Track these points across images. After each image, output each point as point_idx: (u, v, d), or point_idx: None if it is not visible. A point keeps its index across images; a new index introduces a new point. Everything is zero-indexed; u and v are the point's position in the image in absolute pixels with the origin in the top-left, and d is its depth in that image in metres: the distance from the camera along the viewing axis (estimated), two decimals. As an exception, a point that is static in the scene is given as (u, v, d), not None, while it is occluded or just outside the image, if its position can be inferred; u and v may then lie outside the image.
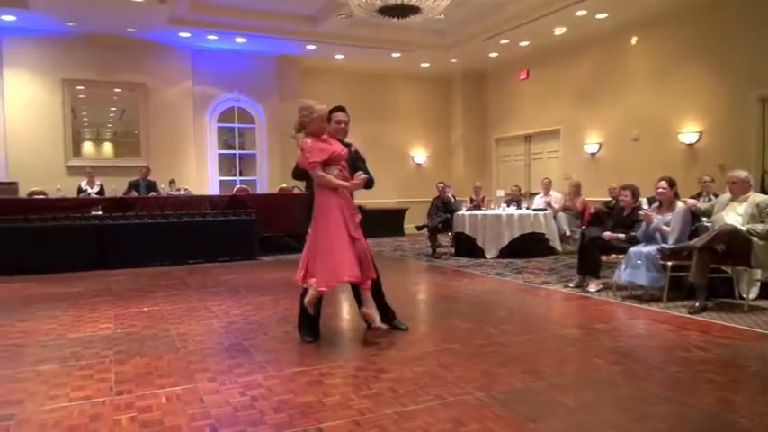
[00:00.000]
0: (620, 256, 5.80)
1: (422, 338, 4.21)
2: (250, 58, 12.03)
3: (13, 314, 5.13)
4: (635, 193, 6.11)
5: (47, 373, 3.44)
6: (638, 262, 5.33)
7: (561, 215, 9.30)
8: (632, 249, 5.48)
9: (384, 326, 4.11)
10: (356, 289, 4.05)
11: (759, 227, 4.95)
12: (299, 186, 11.34)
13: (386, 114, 13.68)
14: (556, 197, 9.89)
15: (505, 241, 8.77)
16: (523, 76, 12.87)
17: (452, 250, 9.50)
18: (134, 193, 9.74)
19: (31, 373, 3.44)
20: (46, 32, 10.32)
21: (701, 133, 9.19)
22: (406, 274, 7.75)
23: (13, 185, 9.12)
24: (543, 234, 8.93)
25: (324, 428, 2.59)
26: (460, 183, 13.35)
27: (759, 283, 5.22)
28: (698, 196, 7.39)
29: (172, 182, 10.53)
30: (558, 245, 9.04)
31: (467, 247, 9.07)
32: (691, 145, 9.32)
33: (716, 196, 6.52)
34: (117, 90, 11.35)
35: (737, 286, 5.20)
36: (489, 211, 9.27)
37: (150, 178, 10.35)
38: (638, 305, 5.23)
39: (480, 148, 14.27)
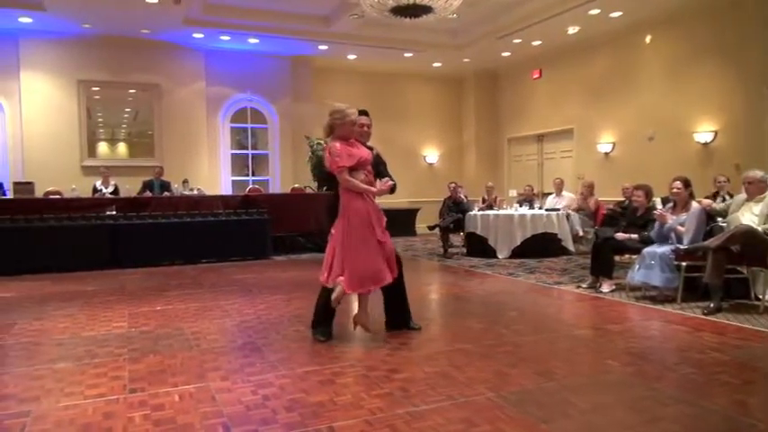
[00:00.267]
0: (634, 256, 5.76)
1: (433, 338, 4.21)
2: (263, 58, 12.08)
3: (29, 313, 5.20)
4: (648, 194, 6.07)
5: (62, 371, 3.48)
6: (652, 262, 5.28)
7: (574, 215, 9.25)
8: (646, 250, 5.43)
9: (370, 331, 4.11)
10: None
11: (775, 227, 4.89)
12: (310, 186, 11.41)
13: (398, 114, 13.67)
14: (568, 197, 9.83)
15: (518, 241, 8.73)
16: (536, 76, 12.80)
17: (464, 250, 9.49)
18: (148, 193, 9.82)
19: (47, 371, 3.48)
20: (62, 34, 10.44)
21: (716, 132, 9.09)
22: (418, 273, 7.74)
23: (29, 185, 9.23)
24: (556, 234, 8.88)
25: (335, 428, 2.60)
26: (472, 183, 13.32)
27: (775, 284, 5.16)
28: (714, 196, 7.31)
29: (185, 182, 10.60)
30: (570, 245, 8.97)
31: (479, 247, 9.04)
32: (706, 144, 9.22)
33: (731, 196, 6.45)
34: (131, 91, 11.46)
35: (753, 287, 5.14)
36: (501, 211, 9.24)
37: (164, 178, 10.42)
38: (651, 306, 5.18)
39: (492, 148, 14.23)
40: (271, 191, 11.92)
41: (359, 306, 4.05)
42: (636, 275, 5.42)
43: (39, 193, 9.20)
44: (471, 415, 2.72)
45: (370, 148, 4.23)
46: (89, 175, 10.56)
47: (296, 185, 11.32)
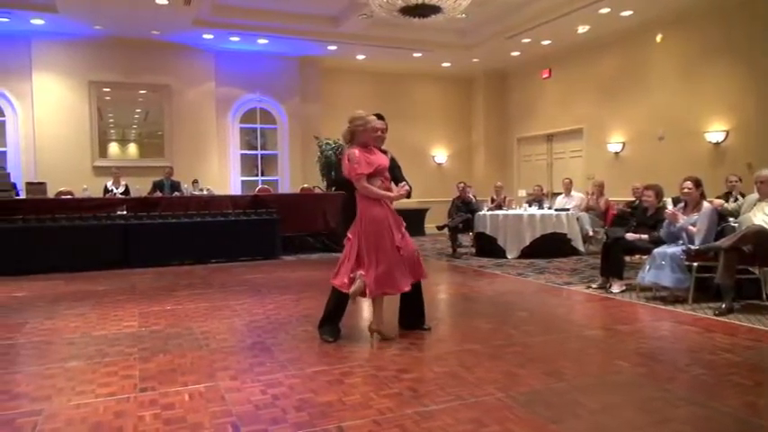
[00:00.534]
0: (644, 256, 5.72)
1: (442, 338, 4.21)
2: (272, 59, 12.12)
3: (40, 312, 5.24)
4: (658, 194, 6.03)
5: (73, 370, 3.51)
6: (663, 263, 5.25)
7: (584, 215, 9.20)
8: (656, 250, 5.40)
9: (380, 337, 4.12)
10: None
11: (788, 227, 4.84)
12: (319, 186, 11.43)
13: (407, 114, 13.65)
14: (578, 197, 9.79)
15: (527, 241, 8.70)
16: (546, 75, 12.76)
17: (473, 250, 9.47)
18: (158, 193, 9.87)
19: (59, 370, 3.51)
20: (74, 36, 10.54)
21: (727, 132, 9.02)
22: (427, 273, 7.71)
23: (41, 185, 9.30)
24: (565, 234, 8.84)
25: (344, 428, 2.61)
26: (481, 183, 13.29)
27: (788, 285, 5.12)
28: (726, 196, 7.24)
29: (195, 182, 10.66)
30: (580, 245, 8.93)
31: (488, 247, 9.02)
32: (717, 144, 9.15)
33: (743, 196, 6.39)
34: (142, 92, 11.55)
35: (765, 287, 5.10)
36: (510, 211, 9.21)
37: (174, 178, 10.48)
38: (662, 306, 5.15)
39: (502, 148, 14.19)
40: (280, 191, 11.96)
41: (374, 313, 4.08)
42: (646, 276, 5.39)
43: (51, 194, 9.27)
44: (480, 415, 2.72)
45: (385, 152, 4.26)
46: (100, 175, 10.65)
47: (305, 185, 11.34)
